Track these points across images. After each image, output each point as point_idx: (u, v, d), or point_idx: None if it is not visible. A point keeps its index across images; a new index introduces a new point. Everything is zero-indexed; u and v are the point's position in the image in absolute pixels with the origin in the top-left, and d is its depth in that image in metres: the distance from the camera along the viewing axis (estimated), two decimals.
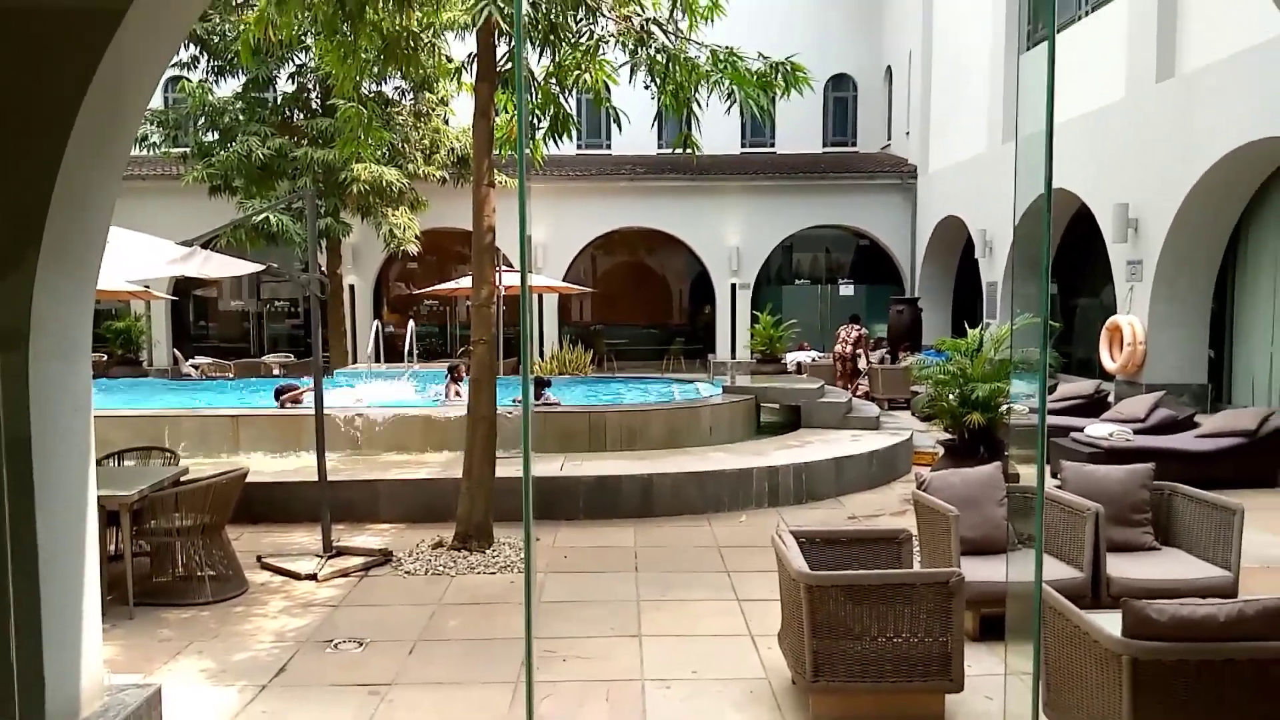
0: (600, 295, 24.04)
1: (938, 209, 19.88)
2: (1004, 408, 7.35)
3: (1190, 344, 11.81)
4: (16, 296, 2.75)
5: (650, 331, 24.82)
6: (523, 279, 2.40)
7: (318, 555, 7.09)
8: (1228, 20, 10.24)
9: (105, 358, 18.32)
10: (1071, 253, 15.72)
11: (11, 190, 2.67)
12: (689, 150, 7.55)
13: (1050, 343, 8.63)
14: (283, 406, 10.73)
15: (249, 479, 6.85)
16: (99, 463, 6.92)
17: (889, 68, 23.56)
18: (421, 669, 5.15)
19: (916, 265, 21.45)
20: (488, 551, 7.26)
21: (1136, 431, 9.92)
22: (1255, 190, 11.10)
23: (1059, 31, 14.32)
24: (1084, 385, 12.53)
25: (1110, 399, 11.99)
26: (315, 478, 7.35)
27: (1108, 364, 12.25)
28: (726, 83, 7.18)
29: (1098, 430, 9.84)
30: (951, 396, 7.43)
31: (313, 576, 6.73)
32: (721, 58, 7.24)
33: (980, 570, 5.31)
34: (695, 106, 7.47)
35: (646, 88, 7.56)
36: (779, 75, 7.41)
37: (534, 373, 15.42)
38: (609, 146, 23.02)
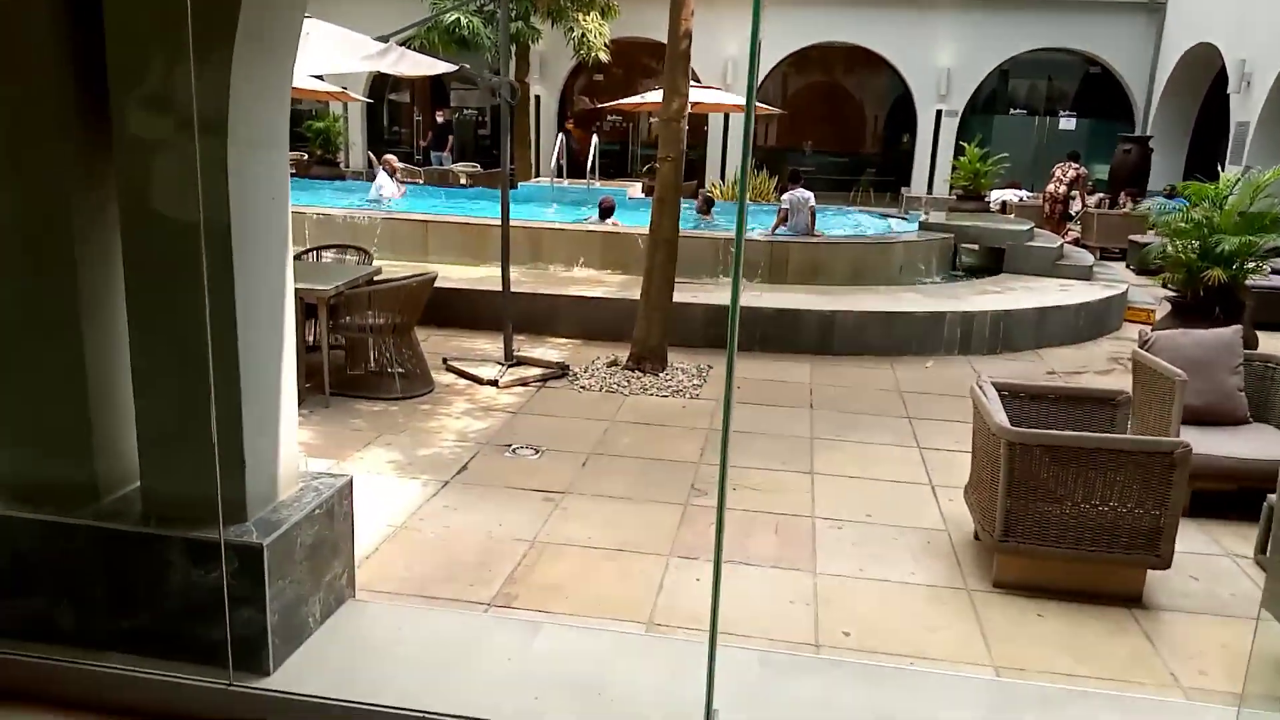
0: (788, 118, 22.83)
1: (1188, 35, 17.34)
2: (1251, 265, 6.43)
3: None
4: (215, 82, 2.69)
5: (839, 160, 23.51)
6: (749, 91, 2.07)
7: (499, 363, 7.27)
8: None
9: (305, 157, 19.07)
10: None
11: None
12: None
13: None
14: (602, 221, 10.53)
15: (437, 284, 7.00)
16: (298, 257, 7.25)
17: None
18: (594, 481, 5.22)
19: (1154, 100, 19.01)
20: (661, 375, 7.23)
21: None
22: None
23: None
24: None
25: None
26: (499, 288, 7.45)
27: None
28: None
29: None
30: (1190, 248, 6.54)
31: (494, 383, 6.92)
32: None
33: (1201, 442, 4.77)
34: None
35: None
36: None
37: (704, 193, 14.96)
38: None
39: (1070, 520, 3.92)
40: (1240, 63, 14.64)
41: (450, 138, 20.21)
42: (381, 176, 12.25)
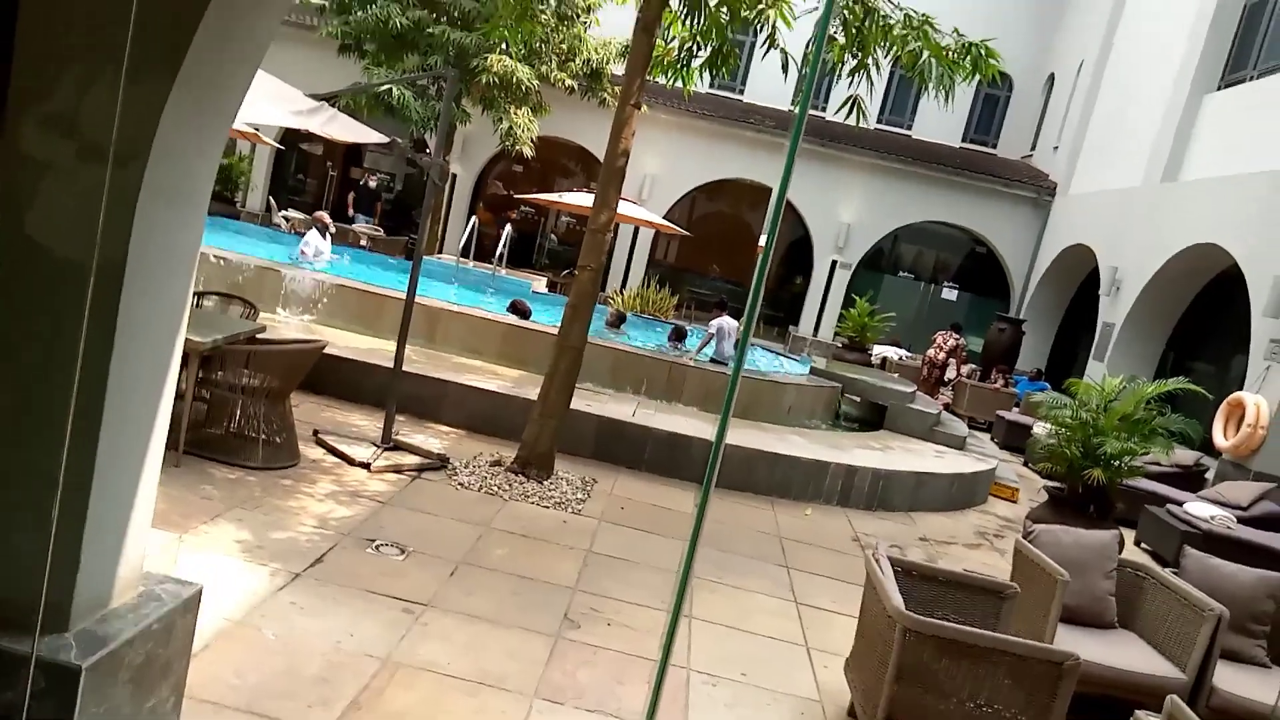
0: (692, 241, 23.37)
1: (1068, 234, 18.79)
2: (1127, 469, 6.71)
3: None
4: (142, 114, 2.37)
5: (734, 288, 24.06)
6: (771, 230, 1.92)
7: (374, 444, 6.83)
8: None
9: None
10: (1202, 311, 14.72)
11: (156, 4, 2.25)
12: (857, 118, 6.91)
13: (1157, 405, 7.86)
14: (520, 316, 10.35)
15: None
16: None
17: (1052, 75, 22.20)
18: (460, 596, 4.84)
19: (1030, 286, 20.37)
20: (545, 483, 6.94)
21: (1238, 520, 9.19)
22: None
23: (1260, 77, 13.14)
24: (1183, 455, 11.68)
25: (1208, 475, 11.22)
26: (387, 362, 7.07)
27: (1219, 440, 11.41)
28: (916, 48, 6.52)
29: (1199, 510, 9.12)
30: (1075, 444, 6.80)
31: (366, 465, 6.48)
32: (916, 22, 6.59)
33: (1073, 643, 4.81)
34: (873, 72, 6.84)
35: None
36: (968, 57, 6.75)
37: (616, 308, 14.93)
38: (741, 92, 22.16)
39: (954, 717, 3.81)
40: (1112, 270, 15.86)
41: (379, 204, 19.74)
42: (313, 234, 11.54)
